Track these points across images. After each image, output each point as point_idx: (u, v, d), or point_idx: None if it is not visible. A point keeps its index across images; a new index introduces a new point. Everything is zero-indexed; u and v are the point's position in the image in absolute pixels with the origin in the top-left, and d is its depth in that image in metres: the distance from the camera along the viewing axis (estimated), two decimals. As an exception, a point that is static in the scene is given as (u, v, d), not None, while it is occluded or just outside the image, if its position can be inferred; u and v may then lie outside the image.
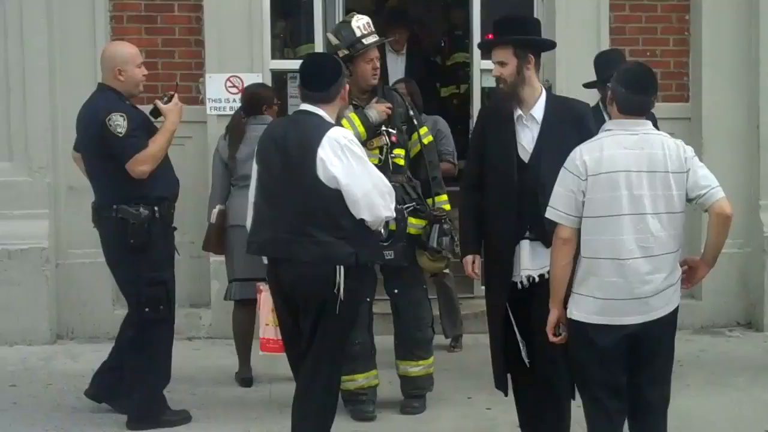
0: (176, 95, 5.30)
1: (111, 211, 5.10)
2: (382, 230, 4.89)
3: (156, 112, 5.26)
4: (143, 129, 5.14)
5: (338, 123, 4.88)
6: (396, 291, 5.50)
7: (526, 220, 4.54)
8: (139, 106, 5.32)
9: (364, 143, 5.15)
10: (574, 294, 4.14)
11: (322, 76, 4.50)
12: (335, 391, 4.56)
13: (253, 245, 4.52)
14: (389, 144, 5.38)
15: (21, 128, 6.97)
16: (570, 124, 4.53)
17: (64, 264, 7.04)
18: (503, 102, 4.65)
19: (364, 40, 5.28)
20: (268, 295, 4.66)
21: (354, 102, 5.33)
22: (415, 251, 5.46)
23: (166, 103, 5.23)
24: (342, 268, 4.30)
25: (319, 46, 6.64)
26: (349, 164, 4.33)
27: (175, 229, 5.36)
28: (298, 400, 4.48)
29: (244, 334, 6.03)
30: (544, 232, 4.35)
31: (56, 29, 7.04)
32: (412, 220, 5.39)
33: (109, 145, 5.08)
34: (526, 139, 4.58)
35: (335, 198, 4.32)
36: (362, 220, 4.36)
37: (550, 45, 5.15)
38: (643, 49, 7.46)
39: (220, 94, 6.96)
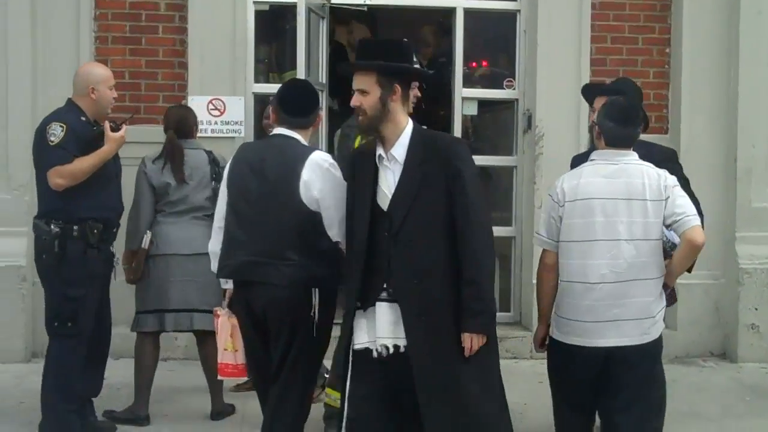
0: (125, 126, 5.22)
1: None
2: None
3: (101, 134, 5.13)
4: (77, 145, 5.02)
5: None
6: None
7: (380, 278, 3.98)
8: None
9: None
10: (554, 314, 4.31)
11: (304, 103, 4.55)
12: (304, 418, 4.51)
13: (226, 269, 4.48)
14: None
15: (1, 147, 6.96)
16: (435, 165, 3.93)
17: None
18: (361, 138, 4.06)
19: None
20: (225, 320, 4.57)
21: None
22: None
23: (114, 129, 5.14)
24: (317, 291, 4.31)
25: (301, 73, 6.66)
26: (331, 187, 4.35)
27: (99, 249, 5.14)
28: (266, 428, 4.43)
29: (149, 367, 5.65)
30: (403, 292, 3.92)
31: (40, 49, 7.05)
32: None
33: (38, 153, 5.09)
34: (387, 182, 4.01)
35: (314, 221, 4.33)
36: (338, 243, 4.37)
37: (426, 76, 4.65)
38: (624, 81, 7.52)
39: (202, 116, 6.87)
